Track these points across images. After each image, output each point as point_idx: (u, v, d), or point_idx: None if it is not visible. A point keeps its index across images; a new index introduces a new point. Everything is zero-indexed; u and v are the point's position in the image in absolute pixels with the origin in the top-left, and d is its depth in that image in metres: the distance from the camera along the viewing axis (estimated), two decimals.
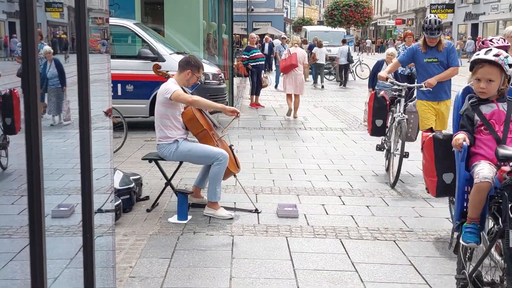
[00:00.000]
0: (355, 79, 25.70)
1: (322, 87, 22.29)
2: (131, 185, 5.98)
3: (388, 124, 7.61)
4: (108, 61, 3.34)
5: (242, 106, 15.67)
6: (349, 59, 23.21)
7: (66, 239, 3.97)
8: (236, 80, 20.52)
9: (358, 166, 8.26)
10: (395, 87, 7.49)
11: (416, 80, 7.33)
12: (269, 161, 8.57)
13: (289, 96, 13.70)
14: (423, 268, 4.52)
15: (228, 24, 18.80)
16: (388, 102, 7.58)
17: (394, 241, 5.15)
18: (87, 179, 2.69)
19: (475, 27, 49.08)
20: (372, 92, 11.23)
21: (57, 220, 4.08)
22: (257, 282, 4.20)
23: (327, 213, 5.95)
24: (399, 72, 11.66)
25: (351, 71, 25.84)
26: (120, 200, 5.60)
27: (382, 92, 7.72)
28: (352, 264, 4.59)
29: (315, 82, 23.24)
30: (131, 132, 10.70)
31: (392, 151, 7.31)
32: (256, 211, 5.92)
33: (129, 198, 5.89)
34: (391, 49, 11.79)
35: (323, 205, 6.24)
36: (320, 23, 69.25)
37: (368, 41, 74.00)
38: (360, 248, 4.96)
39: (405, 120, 7.16)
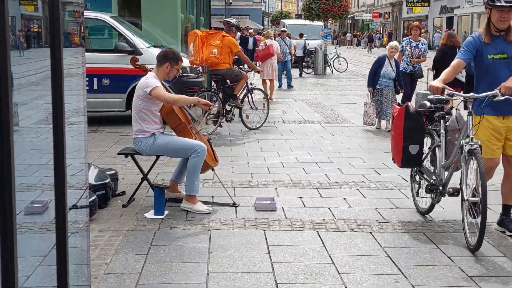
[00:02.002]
0: (332, 72, 25.78)
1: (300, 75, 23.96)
2: (107, 181, 5.93)
3: (426, 151, 5.64)
4: (83, 55, 3.30)
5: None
6: (305, 51, 24.40)
7: (39, 236, 3.92)
8: None
9: (335, 158, 8.30)
10: (447, 97, 5.22)
11: (475, 87, 5.25)
12: (247, 154, 8.57)
13: (264, 81, 15.76)
14: (399, 259, 4.56)
15: (206, 17, 18.72)
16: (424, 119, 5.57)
17: (371, 232, 5.18)
18: (61, 174, 2.66)
19: (450, 20, 49.52)
20: (372, 92, 10.57)
21: (30, 216, 4.03)
22: (234, 276, 4.20)
23: (304, 206, 5.97)
24: (401, 70, 10.98)
25: (329, 64, 25.94)
26: (95, 196, 5.55)
27: (410, 104, 5.68)
28: (329, 256, 4.61)
29: (300, 75, 24.18)
30: (107, 127, 10.62)
31: (465, 197, 4.84)
32: (234, 205, 5.92)
33: (104, 193, 5.83)
34: (394, 42, 11.16)
35: (300, 198, 6.26)
36: (298, 16, 69.33)
37: (349, 34, 74.29)
38: (337, 240, 4.98)
39: (478, 148, 4.80)
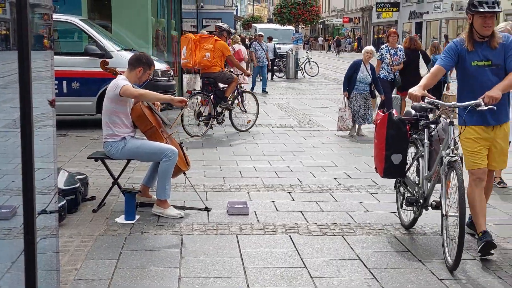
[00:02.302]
0: (304, 77, 25.91)
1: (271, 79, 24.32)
2: (77, 185, 5.85)
3: (409, 161, 5.38)
4: (52, 58, 3.25)
5: (192, 103, 15.54)
6: (275, 54, 24.77)
7: (8, 242, 3.85)
8: (186, 77, 20.36)
9: (307, 162, 8.32)
10: (427, 106, 4.98)
11: (458, 95, 5.02)
12: (219, 158, 8.55)
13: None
14: (370, 263, 4.58)
15: (177, 21, 18.64)
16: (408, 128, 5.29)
17: (343, 236, 5.20)
18: (30, 179, 2.62)
19: (419, 25, 50.24)
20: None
21: None
22: (206, 282, 4.17)
23: (277, 210, 5.97)
24: (380, 76, 11.03)
25: (300, 68, 26.07)
26: (64, 201, 5.47)
27: (394, 111, 5.38)
28: (302, 260, 4.61)
29: (271, 78, 24.46)
30: (77, 131, 10.49)
31: (444, 213, 4.58)
32: (206, 209, 5.88)
33: (74, 198, 5.75)
34: (370, 47, 11.05)
35: (273, 201, 6.26)
36: (270, 20, 69.53)
37: (320, 39, 74.82)
38: (309, 244, 4.99)
39: (459, 160, 4.57)
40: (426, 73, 12.39)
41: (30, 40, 2.67)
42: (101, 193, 6.22)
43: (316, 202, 6.28)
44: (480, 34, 4.77)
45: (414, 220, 5.28)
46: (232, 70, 11.99)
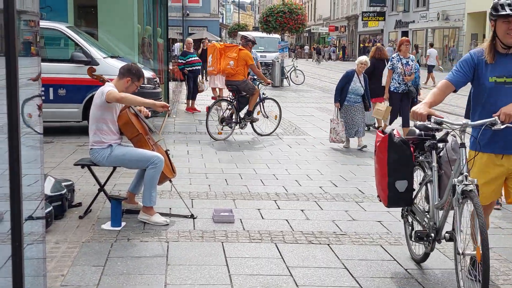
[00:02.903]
0: (290, 85, 25.98)
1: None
2: (63, 192, 5.84)
3: (417, 186, 4.75)
4: (39, 65, 3.25)
5: (178, 111, 15.57)
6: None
7: None
8: (171, 84, 20.38)
9: (292, 170, 8.36)
10: (434, 126, 4.16)
11: (471, 117, 4.31)
12: (205, 166, 8.55)
13: (214, 89, 16.21)
14: (356, 271, 4.61)
15: (163, 28, 18.66)
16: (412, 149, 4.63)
17: (328, 244, 5.23)
18: (17, 185, 2.63)
19: (405, 34, 50.58)
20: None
21: None
22: None
23: (262, 218, 5.99)
24: (391, 89, 10.62)
25: (286, 76, 26.14)
26: (51, 207, 5.46)
27: (395, 130, 4.70)
28: (287, 268, 4.63)
29: None
30: (63, 137, 10.45)
31: (460, 251, 3.92)
32: (192, 216, 5.89)
33: (60, 204, 5.74)
34: (363, 57, 10.49)
35: (258, 209, 6.28)
36: (256, 29, 69.82)
37: (306, 47, 75.20)
38: (295, 252, 5.01)
39: (474, 189, 3.89)
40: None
41: (18, 46, 2.68)
42: (87, 199, 6.21)
43: (301, 210, 6.31)
44: (504, 44, 4.04)
45: (426, 255, 4.65)
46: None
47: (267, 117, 11.82)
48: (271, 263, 4.73)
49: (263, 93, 11.96)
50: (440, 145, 4.46)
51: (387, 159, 4.52)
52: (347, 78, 10.18)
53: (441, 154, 4.41)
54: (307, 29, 66.80)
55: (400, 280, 4.46)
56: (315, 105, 17.74)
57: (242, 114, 11.40)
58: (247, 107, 11.45)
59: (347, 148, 10.25)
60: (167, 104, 5.94)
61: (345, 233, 5.57)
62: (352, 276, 4.51)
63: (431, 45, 33.47)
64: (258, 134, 11.54)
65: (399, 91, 10.61)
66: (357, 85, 10.14)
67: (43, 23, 10.29)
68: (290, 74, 26.68)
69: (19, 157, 2.62)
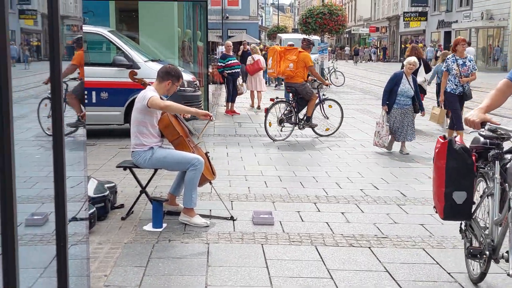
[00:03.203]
0: (329, 87, 25.82)
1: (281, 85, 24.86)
2: (106, 193, 5.93)
3: (477, 199, 4.36)
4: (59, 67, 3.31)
5: (217, 113, 15.66)
6: None
7: (40, 248, 3.92)
8: (211, 87, 20.50)
9: (333, 173, 8.30)
10: (488, 134, 4.02)
11: None
12: (244, 168, 8.57)
13: (252, 93, 17.30)
14: (398, 275, 4.55)
15: (203, 31, 18.79)
16: (474, 158, 4.23)
17: (369, 247, 5.18)
18: (61, 187, 2.67)
19: (448, 34, 49.79)
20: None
21: (31, 228, 4.03)
22: None
23: (302, 220, 5.97)
24: (447, 90, 10.05)
25: (326, 78, 26.01)
26: (94, 208, 5.55)
27: (458, 137, 4.35)
28: (328, 271, 4.60)
29: (278, 84, 24.91)
30: (106, 140, 10.63)
31: (511, 271, 3.62)
32: (232, 218, 5.91)
33: (103, 206, 5.84)
34: (412, 58, 10.04)
35: (298, 212, 6.25)
36: (295, 30, 69.64)
37: (347, 48, 74.70)
38: (335, 255, 4.98)
39: None
40: (423, 81, 12.51)
41: (61, 51, 2.73)
42: (129, 201, 6.30)
43: (342, 213, 6.26)
44: None
45: (482, 275, 4.27)
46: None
47: (327, 118, 12.15)
48: (311, 265, 4.71)
49: (323, 94, 12.23)
50: (508, 156, 4.00)
51: (445, 167, 4.16)
52: (395, 80, 9.81)
53: (508, 165, 3.92)
54: (347, 30, 66.28)
55: (443, 284, 4.38)
56: (355, 106, 17.58)
57: (301, 115, 11.62)
58: (305, 109, 11.66)
59: (390, 152, 9.97)
60: (210, 113, 5.96)
61: (387, 236, 5.51)
62: (394, 280, 4.45)
63: (469, 44, 32.80)
64: (319, 134, 11.73)
65: (456, 93, 10.00)
66: (406, 86, 9.77)
67: (86, 28, 10.51)
68: (330, 75, 26.53)
69: (63, 159, 2.66)
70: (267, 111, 11.41)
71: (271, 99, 11.78)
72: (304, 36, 36.89)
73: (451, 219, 4.44)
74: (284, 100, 11.89)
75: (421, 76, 12.05)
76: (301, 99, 11.51)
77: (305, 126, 11.59)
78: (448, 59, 10.28)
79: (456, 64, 10.03)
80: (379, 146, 9.99)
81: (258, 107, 16.93)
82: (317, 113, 12.15)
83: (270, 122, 11.29)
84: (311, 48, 12.09)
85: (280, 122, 11.42)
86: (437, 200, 4.32)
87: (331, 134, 11.83)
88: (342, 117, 12.08)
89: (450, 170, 4.14)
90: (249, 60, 17.40)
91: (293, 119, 11.45)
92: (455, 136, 4.30)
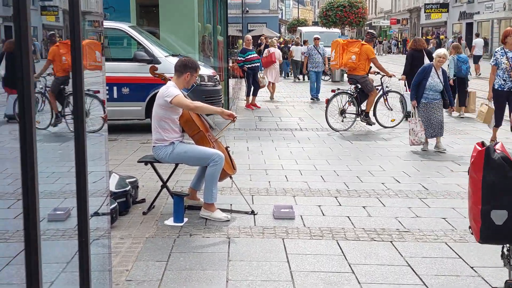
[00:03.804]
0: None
1: (298, 79, 25.73)
2: (127, 188, 5.97)
3: None
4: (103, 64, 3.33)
5: (237, 108, 15.67)
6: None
7: (62, 243, 3.96)
8: (231, 81, 20.53)
9: (354, 166, 8.26)
10: None
11: None
12: (265, 162, 8.57)
13: (271, 84, 18.01)
14: (420, 269, 4.51)
15: (223, 25, 18.79)
16: None
17: (391, 241, 5.14)
18: (83, 182, 2.69)
19: (470, 26, 49.25)
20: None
21: (53, 223, 4.07)
22: (254, 285, 4.19)
23: (323, 214, 5.95)
24: (495, 87, 9.38)
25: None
26: (116, 203, 5.59)
27: (498, 144, 3.64)
28: (349, 265, 4.59)
29: (295, 77, 25.87)
30: (127, 135, 10.70)
31: None
32: (252, 212, 5.92)
33: (125, 201, 5.88)
34: (442, 50, 9.47)
35: (319, 206, 6.24)
36: (315, 23, 69.31)
37: None
38: (357, 249, 4.95)
39: None
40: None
41: (82, 46, 2.74)
42: (150, 196, 6.33)
43: (363, 207, 6.23)
44: None
45: None
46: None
47: (391, 110, 12.25)
48: (332, 260, 4.70)
49: (387, 86, 12.34)
50: None
51: (481, 180, 3.52)
52: (423, 74, 9.28)
53: None
54: (368, 22, 65.82)
55: (466, 278, 4.34)
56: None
57: (363, 106, 11.81)
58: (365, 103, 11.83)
59: (426, 150, 9.38)
60: (234, 114, 5.94)
61: (409, 230, 5.47)
62: (416, 274, 4.42)
63: (477, 35, 32.31)
64: (384, 126, 11.85)
65: (505, 89, 9.31)
66: (435, 80, 9.21)
67: (107, 23, 10.58)
68: None
69: (85, 154, 2.68)
70: (327, 102, 11.64)
71: (333, 90, 11.96)
72: (324, 29, 36.75)
73: (490, 243, 3.71)
74: (345, 91, 12.06)
75: None
76: (362, 91, 11.73)
77: (362, 121, 11.79)
78: (496, 52, 9.57)
79: (506, 58, 9.29)
80: (417, 144, 9.34)
81: (272, 98, 17.89)
82: (381, 106, 12.32)
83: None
84: (374, 41, 12.40)
85: (342, 112, 11.69)
86: (472, 219, 3.65)
87: (396, 125, 11.88)
88: (405, 108, 12.20)
89: (487, 184, 3.50)
90: (265, 53, 18.11)
91: (355, 110, 11.73)
92: (496, 143, 3.66)
